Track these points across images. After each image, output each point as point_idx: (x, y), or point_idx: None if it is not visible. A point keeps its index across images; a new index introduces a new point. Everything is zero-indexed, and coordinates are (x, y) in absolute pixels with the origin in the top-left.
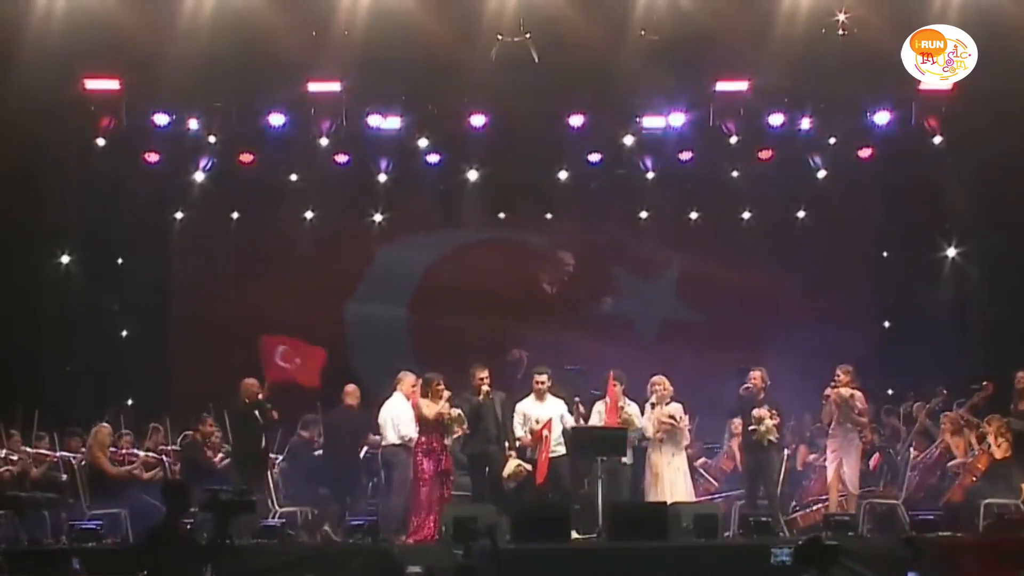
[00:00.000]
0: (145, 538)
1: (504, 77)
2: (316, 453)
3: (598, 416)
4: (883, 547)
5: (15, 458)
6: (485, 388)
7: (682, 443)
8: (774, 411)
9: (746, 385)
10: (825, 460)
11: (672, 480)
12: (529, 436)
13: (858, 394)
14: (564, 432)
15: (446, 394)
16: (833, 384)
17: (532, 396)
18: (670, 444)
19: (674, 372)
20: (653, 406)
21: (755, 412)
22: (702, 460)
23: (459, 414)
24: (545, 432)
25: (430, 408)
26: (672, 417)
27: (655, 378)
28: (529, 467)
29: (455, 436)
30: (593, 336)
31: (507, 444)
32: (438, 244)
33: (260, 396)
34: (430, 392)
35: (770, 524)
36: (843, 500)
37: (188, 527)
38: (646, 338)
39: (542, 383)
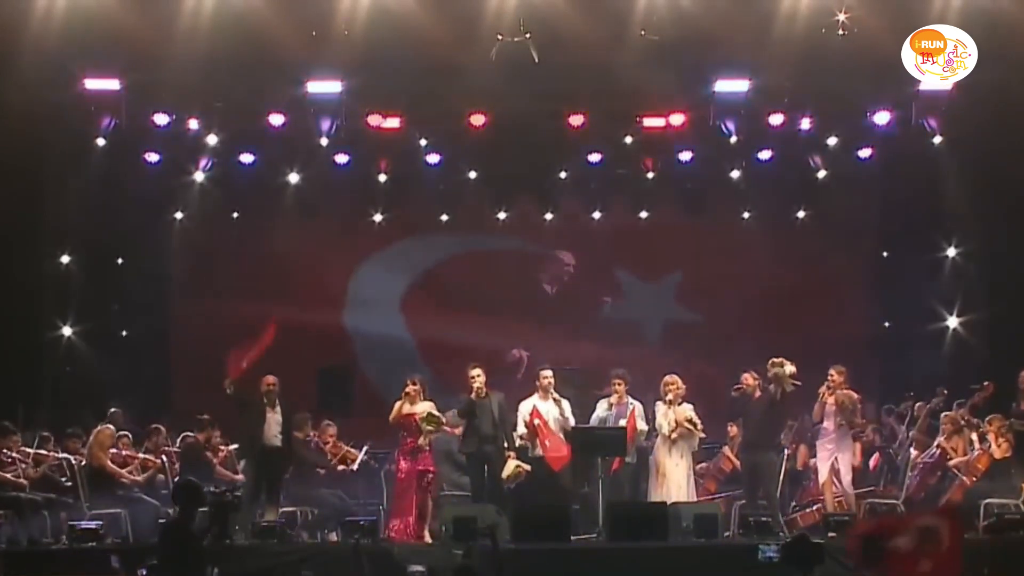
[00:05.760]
0: (159, 537)
1: (504, 77)
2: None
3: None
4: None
5: (15, 458)
6: (477, 386)
7: (693, 446)
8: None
9: (737, 386)
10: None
11: (678, 483)
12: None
13: (856, 396)
14: (567, 432)
15: (414, 392)
16: (828, 385)
17: (537, 394)
18: (682, 446)
19: (673, 372)
20: (669, 403)
21: (773, 359)
22: (702, 464)
23: (431, 415)
24: (536, 421)
25: (405, 408)
26: (691, 421)
27: (668, 377)
28: (528, 467)
29: (430, 438)
30: (593, 336)
31: (506, 445)
32: (438, 244)
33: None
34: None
35: (770, 524)
36: (839, 502)
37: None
38: (646, 338)
39: (547, 379)
